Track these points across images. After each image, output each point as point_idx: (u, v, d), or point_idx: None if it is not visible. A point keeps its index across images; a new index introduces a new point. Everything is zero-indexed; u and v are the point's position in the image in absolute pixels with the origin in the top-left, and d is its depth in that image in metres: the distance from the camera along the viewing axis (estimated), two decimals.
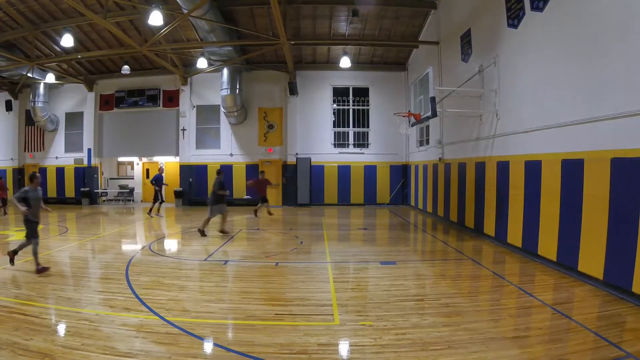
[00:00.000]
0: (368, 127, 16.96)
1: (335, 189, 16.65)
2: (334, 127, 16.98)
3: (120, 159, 19.20)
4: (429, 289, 5.49)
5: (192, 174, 16.95)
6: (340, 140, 17.01)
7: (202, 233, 9.31)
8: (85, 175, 17.55)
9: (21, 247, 6.24)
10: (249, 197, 16.74)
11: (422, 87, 8.95)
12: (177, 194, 16.84)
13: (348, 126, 17.02)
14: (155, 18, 10.10)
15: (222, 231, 9.57)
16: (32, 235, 6.12)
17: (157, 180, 13.34)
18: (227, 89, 15.29)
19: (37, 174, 6.32)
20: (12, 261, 6.18)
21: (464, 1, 10.29)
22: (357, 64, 16.28)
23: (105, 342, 3.65)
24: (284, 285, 5.68)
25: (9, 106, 17.94)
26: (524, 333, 3.93)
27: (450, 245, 8.34)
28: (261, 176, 12.80)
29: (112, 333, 3.86)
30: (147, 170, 19.06)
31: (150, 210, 13.35)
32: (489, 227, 8.64)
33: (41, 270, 5.93)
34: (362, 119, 17.01)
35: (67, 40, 11.96)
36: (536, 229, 6.78)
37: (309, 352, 3.52)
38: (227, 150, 17.05)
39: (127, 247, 8.62)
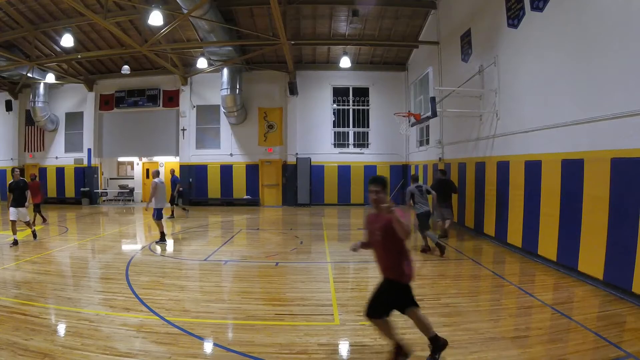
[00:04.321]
0: (368, 127, 16.95)
1: (335, 189, 16.64)
2: (334, 127, 16.98)
3: (120, 159, 19.20)
4: (429, 289, 5.48)
5: (192, 174, 16.95)
6: (340, 140, 17.01)
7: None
8: (85, 175, 17.55)
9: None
10: (249, 197, 16.76)
11: (422, 87, 8.95)
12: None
13: (348, 126, 17.02)
14: (155, 18, 10.10)
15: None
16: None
17: None
18: (227, 89, 15.28)
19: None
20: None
21: (464, 1, 10.29)
22: (357, 64, 16.28)
23: (105, 342, 3.65)
24: (284, 285, 5.68)
25: (9, 106, 17.94)
26: (524, 333, 3.93)
27: (450, 245, 8.32)
28: None
29: (112, 333, 3.86)
30: (147, 170, 19.06)
31: None
32: (489, 227, 8.64)
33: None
34: (362, 119, 17.01)
35: (67, 40, 11.95)
36: (536, 229, 6.78)
37: (309, 352, 3.52)
38: (227, 150, 17.05)
39: (127, 247, 8.61)
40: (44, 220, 11.59)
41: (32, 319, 4.15)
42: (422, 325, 3.26)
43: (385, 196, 3.23)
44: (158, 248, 8.21)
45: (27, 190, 8.53)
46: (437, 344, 3.26)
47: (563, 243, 6.06)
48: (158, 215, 8.60)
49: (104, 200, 18.34)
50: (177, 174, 13.79)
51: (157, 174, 8.89)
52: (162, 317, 4.27)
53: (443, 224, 9.04)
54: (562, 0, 6.21)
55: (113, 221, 12.77)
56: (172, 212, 13.28)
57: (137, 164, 19.32)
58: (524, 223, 7.23)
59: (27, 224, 8.61)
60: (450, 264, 6.93)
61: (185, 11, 10.61)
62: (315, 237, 9.54)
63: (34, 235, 8.76)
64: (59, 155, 18.12)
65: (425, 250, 7.61)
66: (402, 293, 3.17)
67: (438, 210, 9.05)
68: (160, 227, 8.67)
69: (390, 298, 3.18)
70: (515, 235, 7.53)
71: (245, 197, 16.78)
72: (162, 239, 8.65)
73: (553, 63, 6.45)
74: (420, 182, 8.12)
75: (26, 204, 8.47)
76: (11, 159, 18.25)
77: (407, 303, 3.20)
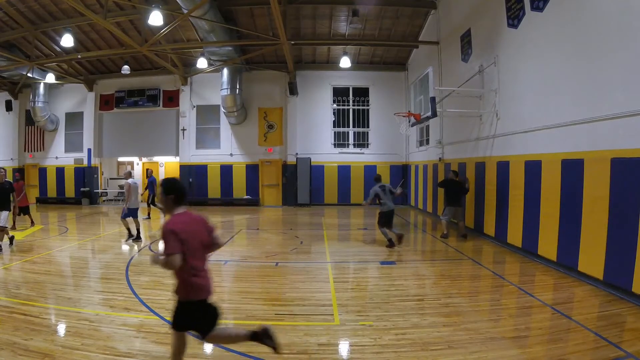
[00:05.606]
0: (368, 127, 16.96)
1: (335, 189, 16.65)
2: (334, 127, 16.98)
3: (120, 159, 19.20)
4: (429, 289, 5.48)
5: (192, 174, 16.95)
6: (340, 140, 17.02)
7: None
8: (85, 175, 17.55)
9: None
10: (249, 197, 16.76)
11: (422, 87, 8.95)
12: None
13: (348, 126, 17.02)
14: (155, 18, 10.10)
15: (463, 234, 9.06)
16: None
17: None
18: (227, 89, 15.28)
19: None
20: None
21: (464, 1, 10.29)
22: (357, 64, 16.28)
23: (105, 342, 3.65)
24: (284, 285, 5.68)
25: (9, 106, 17.94)
26: (524, 333, 3.93)
27: (450, 245, 8.33)
28: None
29: (112, 333, 3.86)
30: (147, 170, 19.04)
31: None
32: (489, 227, 8.64)
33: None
34: (362, 119, 17.02)
35: (67, 40, 11.95)
36: (536, 229, 6.78)
37: (309, 352, 3.52)
38: (227, 150, 17.05)
39: (127, 247, 8.61)
40: (13, 227, 9.66)
41: (32, 319, 4.14)
42: (225, 340, 2.98)
43: (166, 200, 2.76)
44: (154, 248, 8.22)
45: (12, 192, 7.97)
46: (260, 337, 2.98)
47: (563, 243, 6.06)
48: (125, 214, 8.78)
49: (104, 200, 18.35)
50: (156, 175, 13.62)
51: (129, 174, 9.08)
52: (162, 317, 4.27)
53: (447, 225, 9.08)
54: (562, 0, 6.21)
55: (113, 221, 12.75)
56: (149, 213, 13.14)
57: (137, 164, 19.32)
58: (524, 223, 7.23)
59: (2, 230, 7.60)
60: (450, 264, 6.93)
61: (185, 11, 10.61)
62: (315, 237, 9.54)
63: (10, 241, 7.97)
64: (59, 155, 18.13)
65: (391, 245, 7.96)
66: (180, 309, 2.77)
67: (447, 211, 9.13)
68: (127, 224, 8.84)
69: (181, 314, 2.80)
70: (515, 235, 7.53)
71: (245, 197, 16.78)
72: (137, 237, 8.88)
73: (553, 63, 6.45)
74: (383, 182, 8.46)
75: (13, 206, 7.97)
76: (11, 159, 18.25)
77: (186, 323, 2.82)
